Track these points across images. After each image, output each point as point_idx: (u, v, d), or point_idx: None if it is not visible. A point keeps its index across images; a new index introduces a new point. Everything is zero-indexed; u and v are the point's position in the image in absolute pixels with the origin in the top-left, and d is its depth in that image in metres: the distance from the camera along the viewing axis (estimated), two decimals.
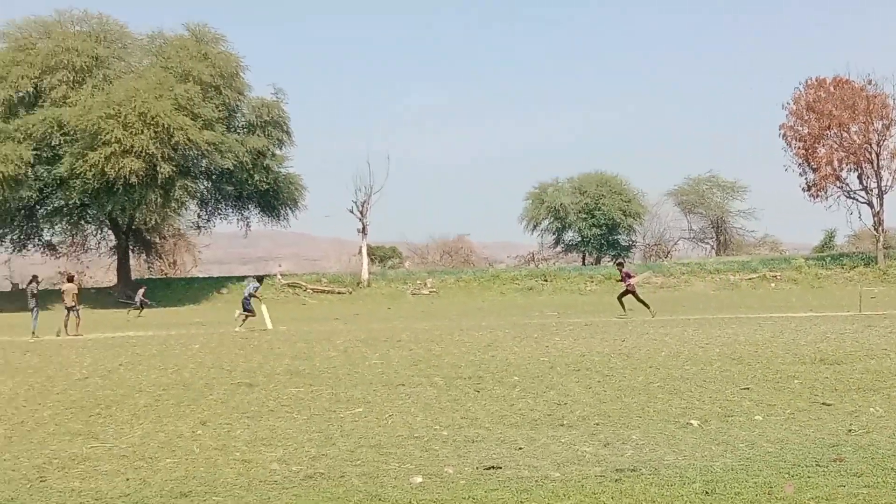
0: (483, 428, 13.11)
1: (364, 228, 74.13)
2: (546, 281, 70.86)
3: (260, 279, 39.05)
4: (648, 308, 37.10)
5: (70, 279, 37.35)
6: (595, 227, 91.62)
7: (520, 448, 11.66)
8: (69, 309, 34.91)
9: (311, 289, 70.18)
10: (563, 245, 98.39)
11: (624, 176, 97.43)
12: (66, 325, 34.73)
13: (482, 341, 26.20)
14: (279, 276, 74.31)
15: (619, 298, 38.13)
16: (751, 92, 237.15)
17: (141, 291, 56.13)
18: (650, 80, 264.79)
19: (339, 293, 68.90)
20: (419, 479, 10.12)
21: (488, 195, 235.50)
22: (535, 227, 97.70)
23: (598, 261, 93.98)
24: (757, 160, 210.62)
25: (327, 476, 10.42)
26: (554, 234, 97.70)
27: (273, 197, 77.24)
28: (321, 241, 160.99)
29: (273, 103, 75.52)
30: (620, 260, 47.59)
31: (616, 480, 9.85)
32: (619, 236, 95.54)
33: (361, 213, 73.66)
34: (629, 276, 38.40)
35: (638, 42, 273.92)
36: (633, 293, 37.80)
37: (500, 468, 10.59)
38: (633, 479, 9.90)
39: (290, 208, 79.66)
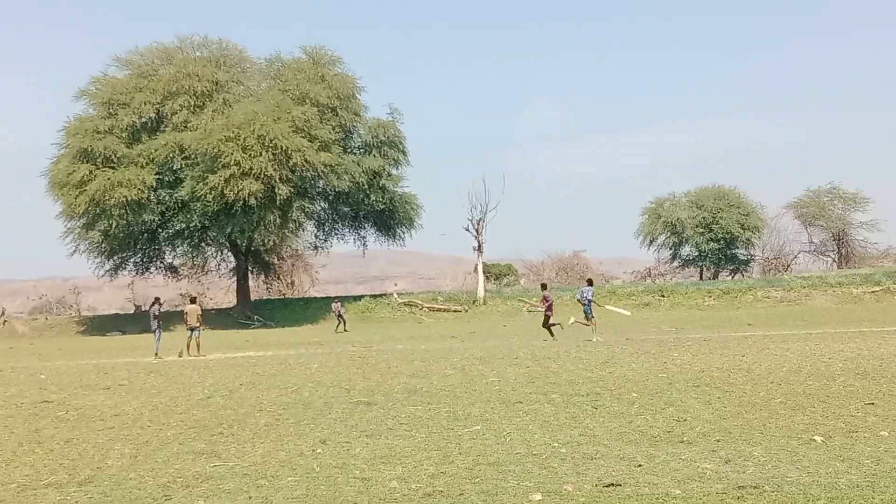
0: (602, 445, 13.03)
1: (480, 246, 74.29)
2: (663, 296, 70.28)
3: (590, 282, 39.88)
4: (552, 334, 36.40)
5: (193, 300, 38.05)
6: (713, 242, 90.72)
7: (639, 465, 11.56)
8: (191, 329, 35.46)
9: (427, 307, 70.51)
10: (680, 260, 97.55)
11: (742, 189, 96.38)
12: (188, 346, 35.27)
13: (599, 358, 26.03)
14: (395, 295, 74.77)
15: (545, 326, 37.09)
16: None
17: (336, 306, 57.81)
18: (768, 92, 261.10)
19: (454, 311, 69.13)
20: (538, 497, 10.08)
21: (604, 211, 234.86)
22: (651, 242, 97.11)
23: (715, 275, 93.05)
24: (880, 171, 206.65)
25: (446, 494, 10.43)
26: (671, 249, 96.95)
27: (389, 217, 77.83)
28: (437, 259, 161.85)
29: (389, 123, 76.15)
30: (545, 282, 46.22)
31: (738, 498, 9.71)
32: (737, 250, 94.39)
33: (477, 231, 73.83)
34: (546, 301, 37.45)
35: (755, 53, 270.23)
36: (548, 317, 36.94)
37: (620, 485, 10.50)
38: (755, 496, 9.76)
39: (406, 227, 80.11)
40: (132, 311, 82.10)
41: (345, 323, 56.62)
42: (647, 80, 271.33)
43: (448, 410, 16.81)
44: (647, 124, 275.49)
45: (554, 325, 36.73)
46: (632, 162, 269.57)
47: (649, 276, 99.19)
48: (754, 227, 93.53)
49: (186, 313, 36.28)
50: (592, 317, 36.51)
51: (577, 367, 23.73)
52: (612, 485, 10.54)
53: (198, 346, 35.14)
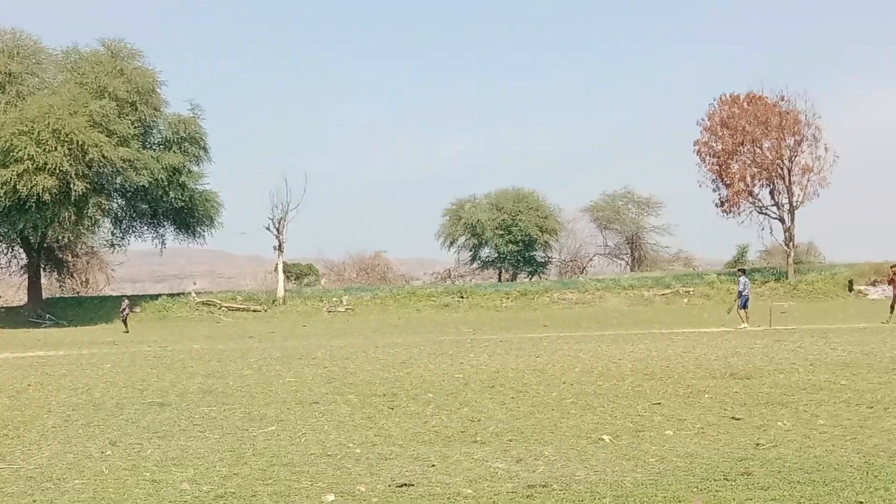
0: (396, 445, 13.10)
1: (280, 245, 73.89)
2: (462, 297, 70.96)
3: (743, 271, 44.07)
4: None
5: None
6: (512, 244, 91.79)
7: (432, 465, 11.65)
8: None
9: (226, 307, 69.68)
10: (479, 261, 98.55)
11: (540, 192, 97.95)
12: None
13: (397, 358, 26.19)
14: (193, 294, 73.70)
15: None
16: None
17: (125, 305, 56.14)
18: (564, 97, 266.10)
19: (254, 311, 68.51)
20: (331, 498, 10.06)
21: (406, 211, 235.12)
22: (452, 243, 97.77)
23: (514, 277, 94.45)
24: (672, 176, 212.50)
25: (238, 495, 10.33)
26: (471, 250, 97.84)
27: (188, 214, 76.43)
28: (237, 258, 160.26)
29: (190, 119, 74.82)
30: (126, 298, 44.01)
31: (527, 496, 9.88)
32: (535, 252, 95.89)
33: (278, 230, 73.40)
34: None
35: (546, 61, 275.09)
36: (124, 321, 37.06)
37: (413, 485, 10.56)
38: (544, 494, 9.94)
39: (206, 225, 78.85)
40: None
41: (125, 324, 54.75)
42: (445, 82, 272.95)
43: (243, 411, 16.69)
44: (448, 128, 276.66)
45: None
46: (434, 165, 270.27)
47: (449, 277, 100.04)
48: (552, 230, 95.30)
49: None
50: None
51: (374, 367, 23.83)
52: (405, 485, 10.60)
53: None
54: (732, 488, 9.98)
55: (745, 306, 39.63)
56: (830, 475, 10.45)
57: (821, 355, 24.14)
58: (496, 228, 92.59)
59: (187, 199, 73.70)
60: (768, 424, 14.00)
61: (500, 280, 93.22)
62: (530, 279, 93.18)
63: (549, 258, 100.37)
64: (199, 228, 78.69)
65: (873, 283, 69.48)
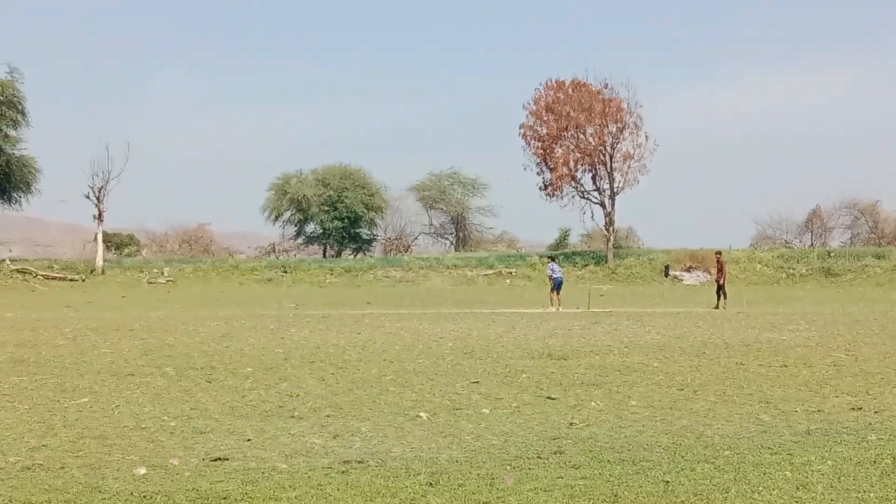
0: (212, 419, 12.96)
1: (100, 214, 72.29)
2: (286, 272, 70.66)
3: (552, 258, 45.52)
4: None
5: None
6: (337, 220, 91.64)
7: (248, 439, 11.58)
8: None
9: (42, 275, 67.80)
10: (304, 237, 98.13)
11: (367, 169, 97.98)
12: None
13: (217, 332, 25.95)
14: (7, 262, 71.61)
15: None
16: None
17: None
18: (393, 77, 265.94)
19: (71, 280, 66.84)
20: (143, 471, 9.92)
21: (231, 185, 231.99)
22: (277, 217, 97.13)
23: (339, 253, 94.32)
24: (497, 158, 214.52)
25: (46, 467, 10.10)
26: (296, 225, 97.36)
27: (4, 179, 74.44)
28: (56, 226, 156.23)
29: (7, 83, 72.76)
30: None
31: (343, 472, 9.90)
32: (360, 230, 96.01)
33: (98, 198, 71.80)
34: None
35: (374, 40, 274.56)
36: None
37: (227, 459, 10.49)
38: (359, 470, 9.97)
39: (23, 191, 76.93)
40: None
41: None
42: (276, 58, 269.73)
43: (55, 382, 16.31)
44: (275, 102, 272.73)
45: None
46: (261, 138, 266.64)
47: (274, 251, 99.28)
48: (378, 208, 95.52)
49: None
50: None
51: (193, 340, 23.57)
52: (220, 459, 10.52)
53: None
54: (545, 466, 10.16)
55: (557, 290, 40.29)
56: (640, 455, 10.72)
57: (636, 338, 24.73)
58: (322, 204, 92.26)
59: (3, 163, 71.81)
60: (582, 404, 14.28)
61: (324, 256, 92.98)
62: (355, 256, 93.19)
63: (374, 236, 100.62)
64: (15, 194, 76.82)
65: (688, 269, 71.54)
